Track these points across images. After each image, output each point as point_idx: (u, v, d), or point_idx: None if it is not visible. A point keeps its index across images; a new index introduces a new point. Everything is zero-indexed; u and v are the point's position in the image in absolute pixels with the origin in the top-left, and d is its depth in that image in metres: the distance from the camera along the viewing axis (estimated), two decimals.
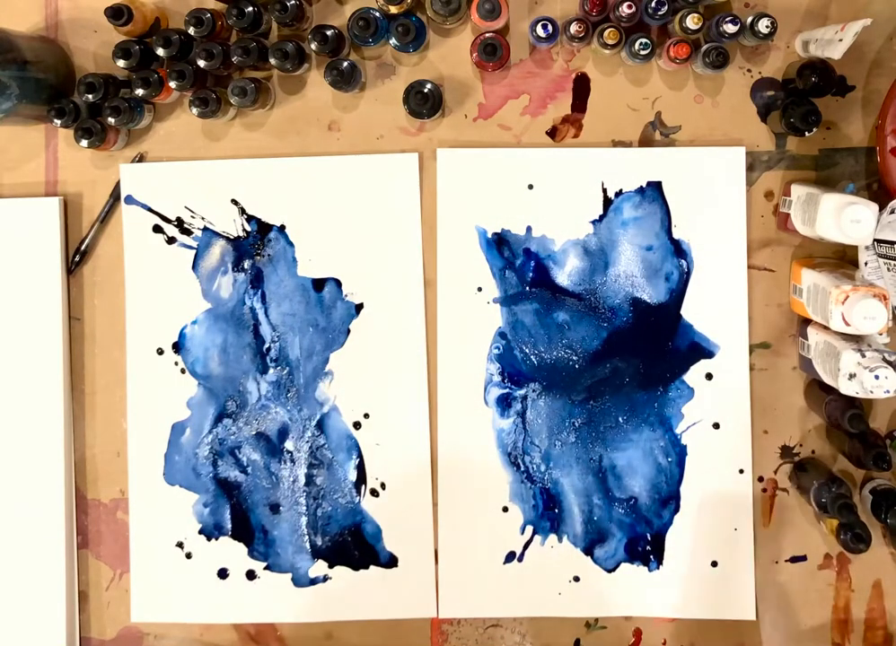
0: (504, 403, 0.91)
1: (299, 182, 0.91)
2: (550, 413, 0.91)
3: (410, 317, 0.91)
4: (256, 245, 0.92)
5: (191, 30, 0.87)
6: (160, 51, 0.88)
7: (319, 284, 0.91)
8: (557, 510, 0.90)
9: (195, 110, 0.87)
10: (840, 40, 0.79)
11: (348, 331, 0.91)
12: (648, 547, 0.90)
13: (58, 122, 0.88)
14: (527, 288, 0.91)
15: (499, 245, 0.91)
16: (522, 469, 0.91)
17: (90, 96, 0.88)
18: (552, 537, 0.90)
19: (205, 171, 0.92)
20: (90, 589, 0.92)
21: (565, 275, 0.90)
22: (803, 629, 0.90)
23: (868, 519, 0.85)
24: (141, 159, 0.92)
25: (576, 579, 0.90)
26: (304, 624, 0.91)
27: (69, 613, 0.90)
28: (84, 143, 0.88)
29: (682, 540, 0.90)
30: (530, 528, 0.90)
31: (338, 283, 0.91)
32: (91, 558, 0.92)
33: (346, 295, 0.91)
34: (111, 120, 0.87)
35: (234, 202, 0.92)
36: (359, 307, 0.91)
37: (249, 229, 0.92)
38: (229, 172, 0.91)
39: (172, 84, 0.87)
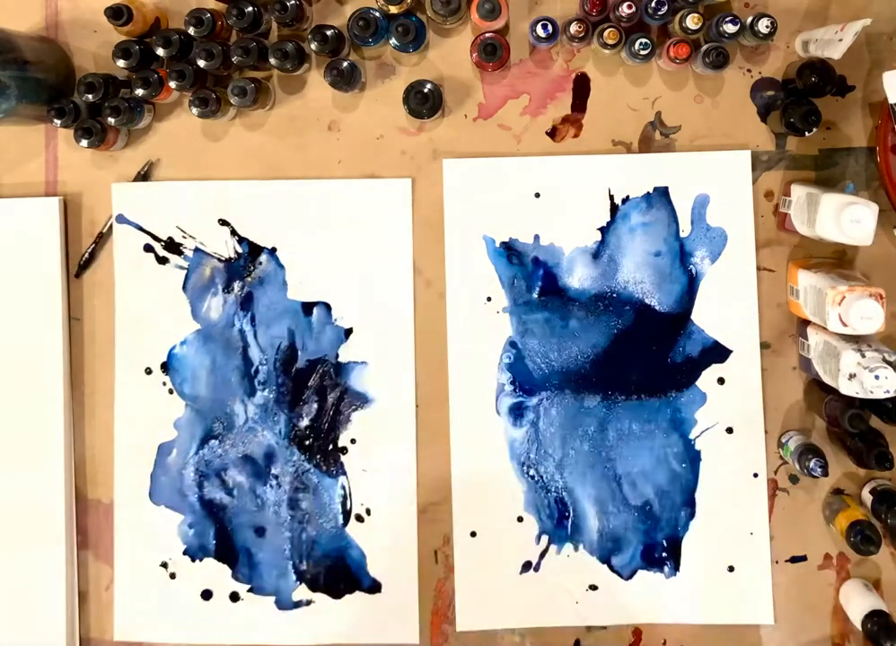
0: (516, 412, 0.90)
1: (291, 205, 0.91)
2: (563, 421, 0.90)
3: (398, 343, 0.90)
4: (247, 267, 0.91)
5: (191, 30, 0.87)
6: (160, 51, 0.88)
7: (308, 308, 0.91)
8: (572, 519, 0.90)
9: (195, 110, 0.87)
10: (840, 40, 0.79)
11: (337, 356, 0.91)
12: (665, 554, 0.89)
13: (58, 122, 0.88)
14: (536, 297, 0.90)
15: (508, 254, 0.90)
16: (536, 478, 0.90)
17: (90, 96, 0.88)
18: (568, 546, 0.90)
19: (197, 192, 0.91)
20: (90, 589, 0.92)
21: (574, 283, 0.90)
22: (803, 629, 0.89)
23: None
24: (148, 170, 0.92)
25: (593, 587, 0.90)
26: None
27: (69, 613, 0.90)
28: (84, 143, 0.88)
29: (699, 546, 0.89)
30: (545, 538, 0.90)
31: (327, 307, 0.91)
32: (91, 558, 0.92)
33: (335, 319, 0.91)
34: (111, 120, 0.87)
35: (226, 223, 0.91)
36: (348, 332, 0.91)
37: (240, 250, 0.91)
38: (221, 193, 0.91)
39: (172, 84, 0.87)
